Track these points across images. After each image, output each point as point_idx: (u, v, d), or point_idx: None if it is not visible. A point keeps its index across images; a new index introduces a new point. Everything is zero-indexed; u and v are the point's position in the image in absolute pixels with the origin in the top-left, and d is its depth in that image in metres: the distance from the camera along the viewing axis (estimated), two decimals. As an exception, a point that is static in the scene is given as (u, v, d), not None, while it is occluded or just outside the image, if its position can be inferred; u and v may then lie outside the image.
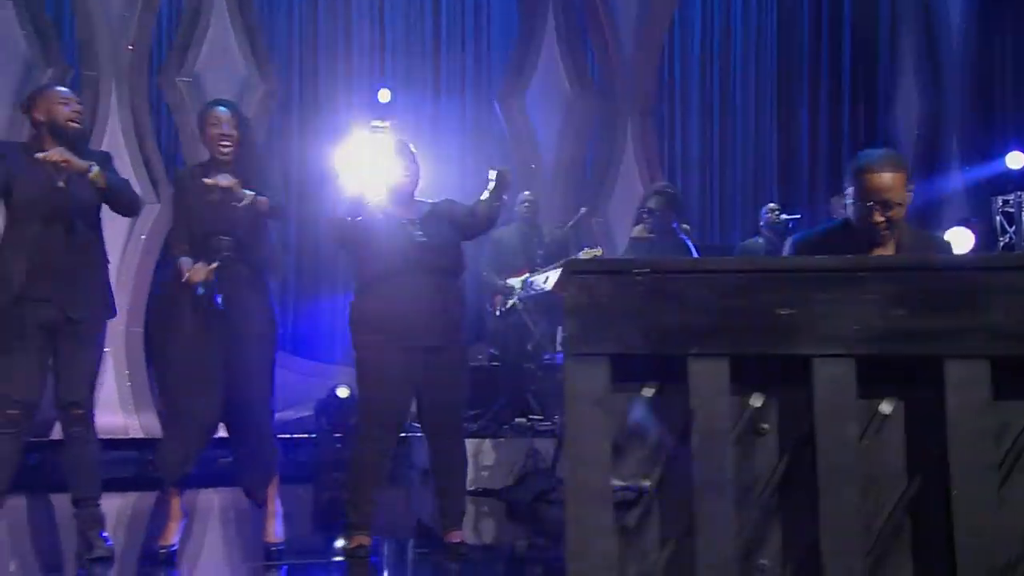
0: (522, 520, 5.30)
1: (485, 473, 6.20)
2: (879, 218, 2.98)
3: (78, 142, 4.04)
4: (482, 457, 6.25)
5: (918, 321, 1.97)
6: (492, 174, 4.36)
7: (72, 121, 4.01)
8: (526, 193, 7.27)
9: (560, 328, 6.85)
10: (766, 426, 2.04)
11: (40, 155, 3.77)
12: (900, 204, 3.05)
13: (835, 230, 3.39)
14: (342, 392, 7.44)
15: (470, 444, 5.87)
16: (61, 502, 4.91)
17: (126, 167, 7.88)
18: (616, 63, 9.15)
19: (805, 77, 10.12)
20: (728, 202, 9.80)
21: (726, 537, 2.02)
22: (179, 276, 4.11)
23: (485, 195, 4.33)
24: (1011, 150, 8.90)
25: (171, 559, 4.32)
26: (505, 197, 4.44)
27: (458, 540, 4.43)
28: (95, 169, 3.77)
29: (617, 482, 2.07)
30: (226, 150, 4.17)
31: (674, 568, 2.09)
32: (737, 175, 9.86)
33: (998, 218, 8.81)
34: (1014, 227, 8.61)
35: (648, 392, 2.08)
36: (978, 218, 8.72)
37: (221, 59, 8.51)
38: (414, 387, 4.33)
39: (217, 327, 4.11)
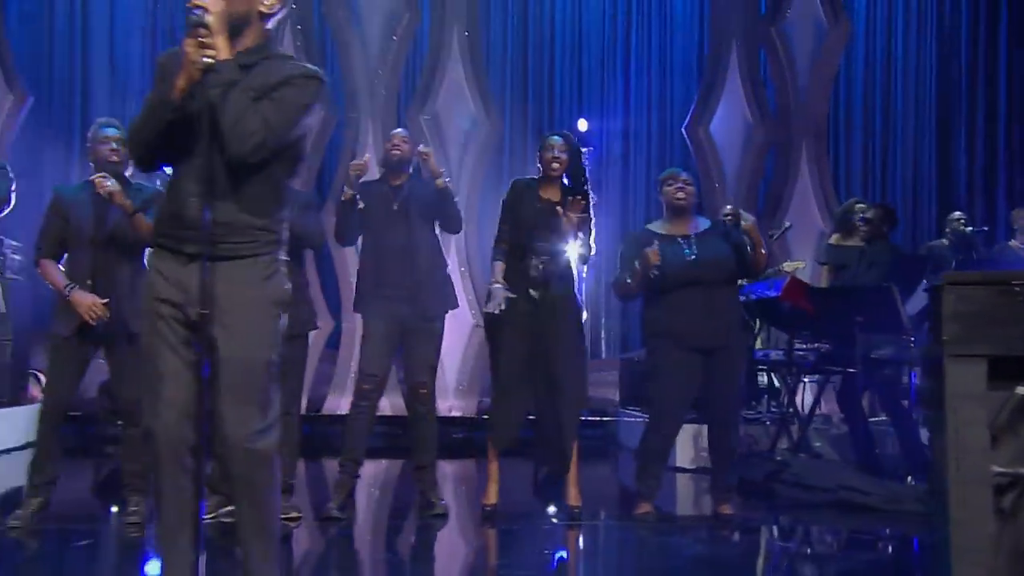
0: (759, 496, 5.23)
1: (704, 454, 6.08)
2: None
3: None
4: (702, 440, 6.14)
5: None
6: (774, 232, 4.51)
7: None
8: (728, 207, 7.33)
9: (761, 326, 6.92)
10: None
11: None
12: None
13: None
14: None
15: (691, 428, 6.01)
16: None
17: None
18: (792, 93, 8.98)
19: (963, 99, 9.85)
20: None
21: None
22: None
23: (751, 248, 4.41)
24: None
25: (493, 515, 4.51)
26: (764, 251, 4.51)
27: (728, 512, 4.51)
28: None
29: (996, 469, 2.23)
30: (555, 171, 4.40)
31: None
32: (897, 191, 9.74)
33: None
34: None
35: (1022, 390, 2.23)
36: None
37: (455, 100, 8.71)
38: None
39: (539, 318, 4.29)
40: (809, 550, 4.53)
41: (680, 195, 4.47)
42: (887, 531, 4.69)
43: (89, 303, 3.92)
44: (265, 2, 2.44)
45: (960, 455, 2.34)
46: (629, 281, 4.40)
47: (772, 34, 9.01)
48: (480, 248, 8.10)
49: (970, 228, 7.12)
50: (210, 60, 2.26)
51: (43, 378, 6.63)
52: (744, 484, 5.28)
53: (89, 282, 4.04)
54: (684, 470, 6.15)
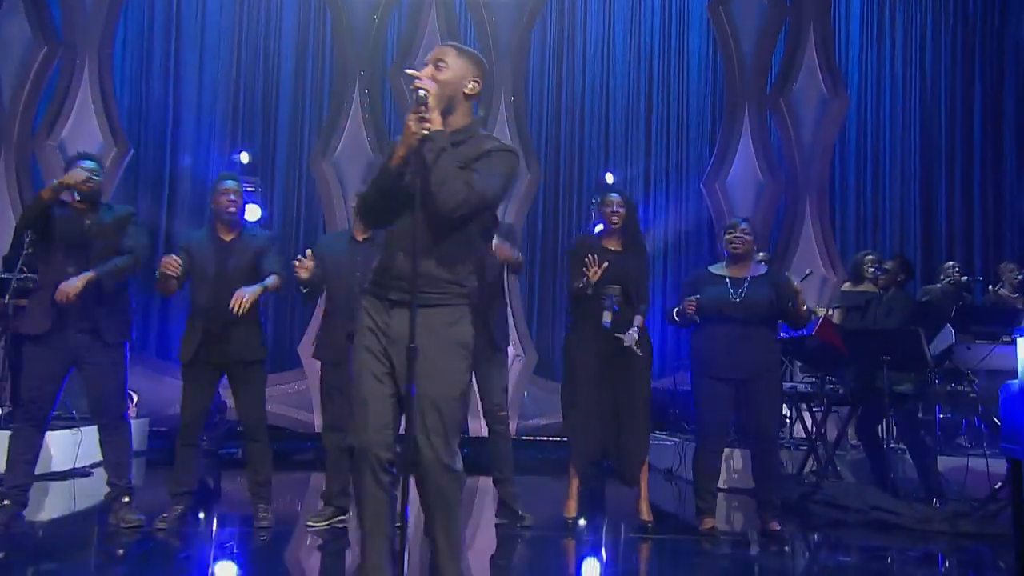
0: (795, 515, 5.20)
1: (736, 475, 6.39)
2: None
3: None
4: (733, 462, 6.43)
5: None
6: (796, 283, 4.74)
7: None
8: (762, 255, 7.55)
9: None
10: None
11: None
12: None
13: None
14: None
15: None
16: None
17: None
18: (798, 154, 9.36)
19: (943, 163, 10.15)
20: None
21: None
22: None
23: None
24: None
25: (575, 527, 4.66)
26: (806, 309, 4.72)
27: (777, 528, 4.56)
28: None
29: None
30: (616, 223, 4.64)
31: None
32: (886, 241, 9.99)
33: None
34: None
35: None
36: None
37: None
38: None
39: (613, 353, 4.45)
40: (860, 562, 4.53)
41: (736, 243, 4.60)
42: (926, 548, 4.73)
43: None
44: (468, 85, 2.71)
45: None
46: (677, 318, 4.65)
47: (780, 103, 9.43)
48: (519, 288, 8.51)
49: (965, 277, 7.32)
50: (426, 131, 2.53)
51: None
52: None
53: (203, 322, 4.24)
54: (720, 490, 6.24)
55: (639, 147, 10.00)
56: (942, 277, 7.41)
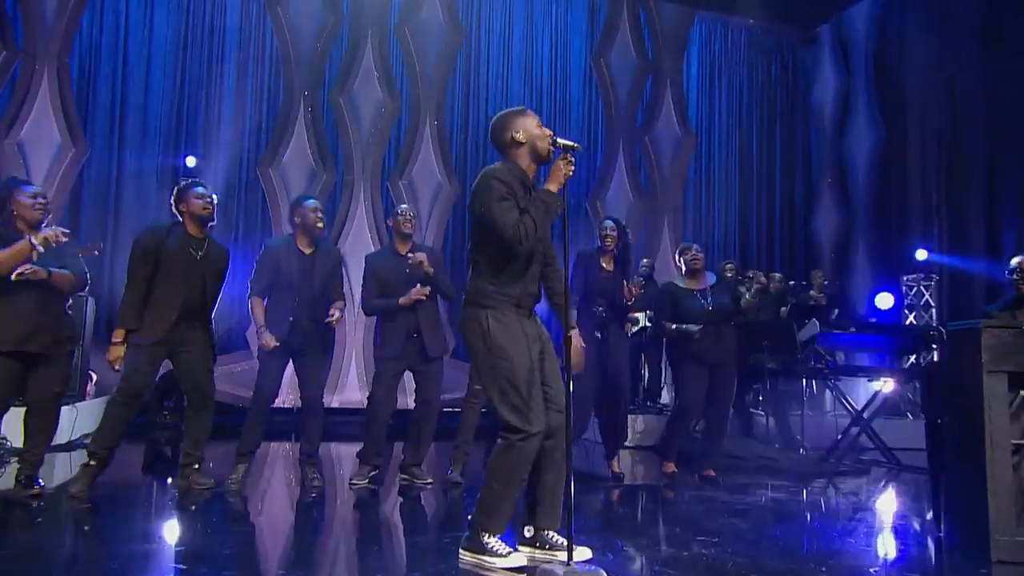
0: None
1: (639, 435, 6.55)
2: None
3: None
4: (637, 425, 6.60)
5: None
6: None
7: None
8: (645, 260, 7.92)
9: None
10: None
11: None
12: None
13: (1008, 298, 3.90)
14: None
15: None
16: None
17: (375, 243, 8.38)
18: (659, 180, 9.89)
19: (754, 194, 10.68)
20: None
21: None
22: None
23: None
24: (912, 249, 8.73)
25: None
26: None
27: (713, 475, 4.78)
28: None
29: (1013, 441, 2.88)
30: (609, 246, 4.64)
31: None
32: (715, 250, 10.45)
33: (903, 288, 8.76)
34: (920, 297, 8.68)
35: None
36: (891, 289, 8.76)
37: (426, 171, 8.90)
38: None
39: (608, 348, 4.59)
40: (766, 492, 4.57)
41: (696, 261, 4.89)
42: (803, 484, 4.94)
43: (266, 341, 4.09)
44: None
45: (993, 432, 3.00)
46: (670, 329, 4.84)
47: (646, 139, 9.93)
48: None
49: (792, 282, 7.86)
50: (570, 172, 2.70)
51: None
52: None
53: (291, 319, 4.13)
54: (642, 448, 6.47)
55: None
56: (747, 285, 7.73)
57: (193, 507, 3.70)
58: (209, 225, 4.02)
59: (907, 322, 8.21)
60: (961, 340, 3.12)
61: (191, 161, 8.19)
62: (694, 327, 4.75)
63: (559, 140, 2.76)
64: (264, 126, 8.54)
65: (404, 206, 4.62)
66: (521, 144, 2.80)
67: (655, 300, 5.14)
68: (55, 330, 3.72)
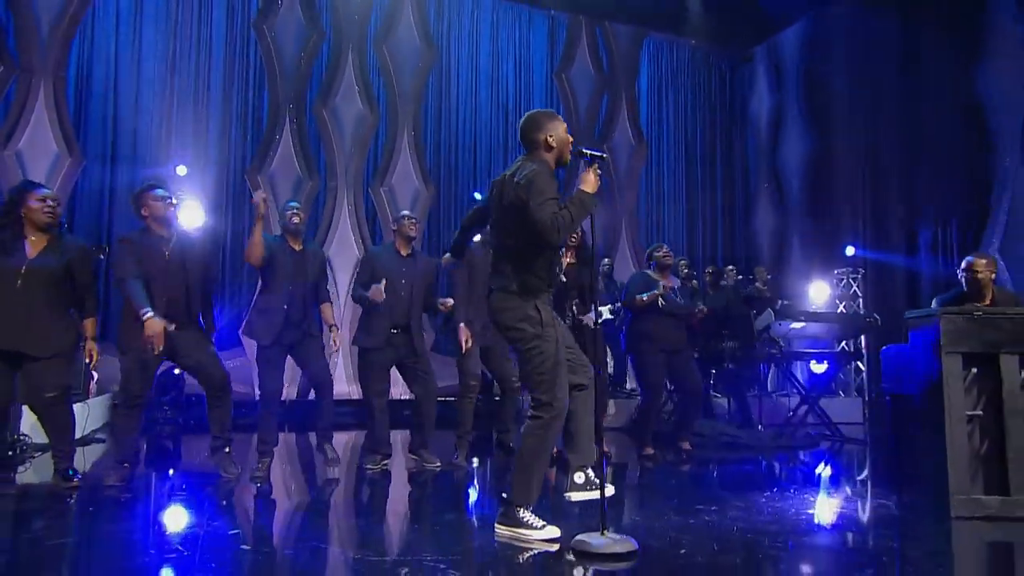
0: (672, 440, 5.25)
1: (610, 417, 6.65)
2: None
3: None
4: (608, 409, 6.63)
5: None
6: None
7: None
8: (605, 260, 8.05)
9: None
10: None
11: None
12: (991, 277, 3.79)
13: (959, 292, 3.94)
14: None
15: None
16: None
17: (358, 246, 8.32)
18: (616, 185, 10.09)
19: (699, 197, 10.98)
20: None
21: None
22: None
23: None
24: (842, 246, 8.86)
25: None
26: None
27: (688, 447, 4.97)
28: None
29: (967, 412, 3.11)
30: (574, 241, 4.63)
31: None
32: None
33: (834, 280, 8.85)
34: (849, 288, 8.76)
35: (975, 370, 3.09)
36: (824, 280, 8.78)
37: (404, 177, 8.90)
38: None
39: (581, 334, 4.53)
40: (733, 464, 4.73)
41: (667, 258, 5.05)
42: (764, 456, 5.16)
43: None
44: None
45: (950, 405, 3.21)
46: (646, 300, 4.85)
47: (604, 147, 10.06)
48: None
49: (740, 276, 7.97)
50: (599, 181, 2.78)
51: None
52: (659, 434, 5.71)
53: (285, 307, 4.13)
54: (612, 429, 6.57)
55: (499, 173, 10.13)
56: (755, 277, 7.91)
57: (231, 493, 3.65)
58: (175, 223, 3.86)
59: (838, 311, 8.54)
60: (921, 326, 3.32)
61: (181, 170, 7.93)
62: (658, 289, 4.83)
63: (586, 150, 2.81)
64: (251, 137, 8.38)
65: (407, 212, 4.65)
66: (551, 148, 2.84)
67: (629, 283, 5.18)
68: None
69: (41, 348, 3.48)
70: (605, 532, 2.57)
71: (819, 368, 7.14)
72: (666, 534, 2.83)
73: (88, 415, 5.34)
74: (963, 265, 3.83)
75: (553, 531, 2.71)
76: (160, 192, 3.81)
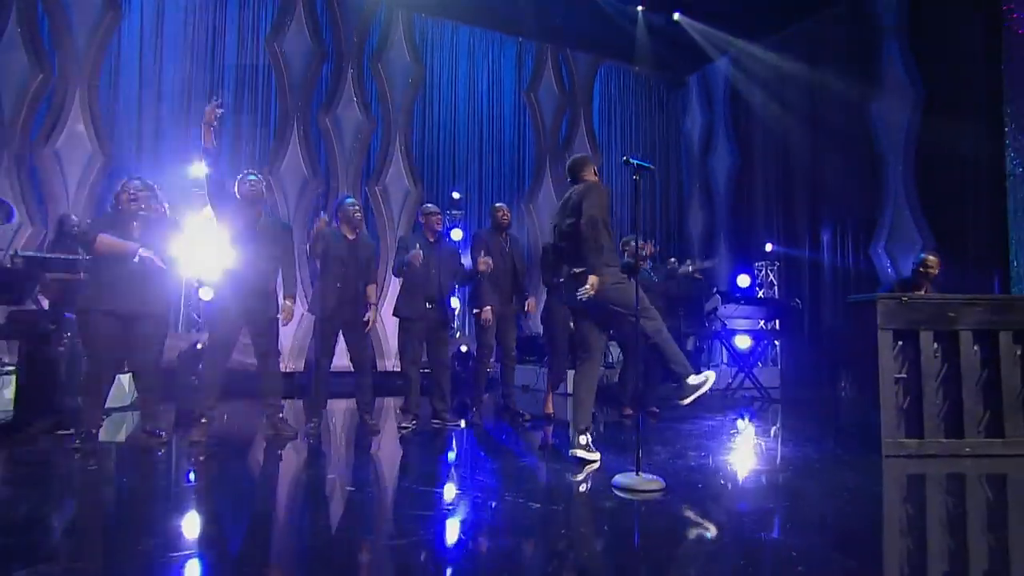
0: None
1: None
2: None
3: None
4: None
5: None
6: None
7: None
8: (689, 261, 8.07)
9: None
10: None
11: None
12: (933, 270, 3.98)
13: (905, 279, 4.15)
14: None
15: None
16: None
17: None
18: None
19: (643, 199, 11.13)
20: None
21: None
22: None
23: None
24: (762, 243, 9.09)
25: (554, 417, 4.91)
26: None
27: (656, 411, 5.00)
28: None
29: (895, 375, 3.52)
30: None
31: None
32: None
33: (755, 271, 9.15)
34: (767, 277, 9.19)
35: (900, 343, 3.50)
36: (747, 271, 9.12)
37: (396, 178, 8.88)
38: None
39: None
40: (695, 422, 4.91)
41: (645, 249, 5.22)
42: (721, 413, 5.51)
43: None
44: None
45: (883, 371, 3.61)
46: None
47: (566, 156, 10.26)
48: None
49: (677, 263, 8.46)
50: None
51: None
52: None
53: (339, 286, 4.18)
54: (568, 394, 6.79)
55: (475, 176, 10.13)
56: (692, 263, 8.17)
57: (292, 451, 3.70)
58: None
59: (758, 296, 9.09)
60: (861, 308, 3.73)
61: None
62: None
63: (633, 160, 3.04)
64: (262, 142, 8.25)
65: (434, 208, 4.65)
66: (594, 178, 3.32)
67: None
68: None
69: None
70: (640, 473, 2.86)
71: (745, 344, 7.60)
72: (679, 475, 3.12)
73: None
74: (918, 260, 4.05)
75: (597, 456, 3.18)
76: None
